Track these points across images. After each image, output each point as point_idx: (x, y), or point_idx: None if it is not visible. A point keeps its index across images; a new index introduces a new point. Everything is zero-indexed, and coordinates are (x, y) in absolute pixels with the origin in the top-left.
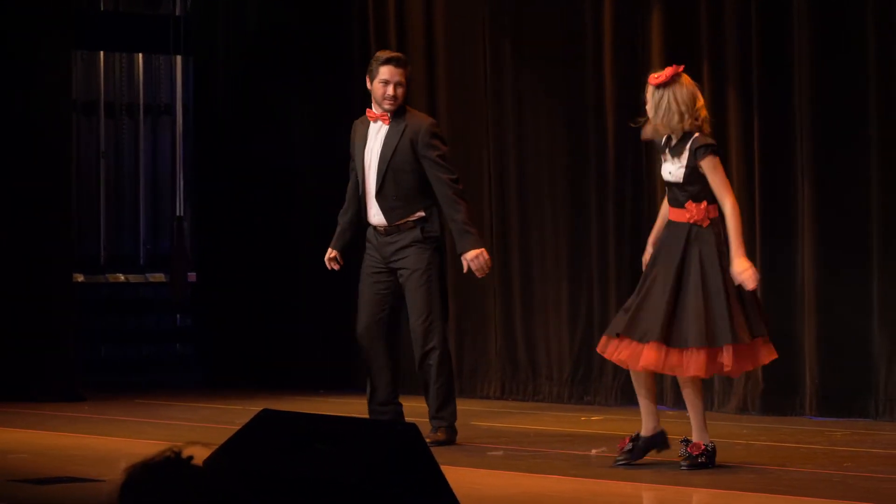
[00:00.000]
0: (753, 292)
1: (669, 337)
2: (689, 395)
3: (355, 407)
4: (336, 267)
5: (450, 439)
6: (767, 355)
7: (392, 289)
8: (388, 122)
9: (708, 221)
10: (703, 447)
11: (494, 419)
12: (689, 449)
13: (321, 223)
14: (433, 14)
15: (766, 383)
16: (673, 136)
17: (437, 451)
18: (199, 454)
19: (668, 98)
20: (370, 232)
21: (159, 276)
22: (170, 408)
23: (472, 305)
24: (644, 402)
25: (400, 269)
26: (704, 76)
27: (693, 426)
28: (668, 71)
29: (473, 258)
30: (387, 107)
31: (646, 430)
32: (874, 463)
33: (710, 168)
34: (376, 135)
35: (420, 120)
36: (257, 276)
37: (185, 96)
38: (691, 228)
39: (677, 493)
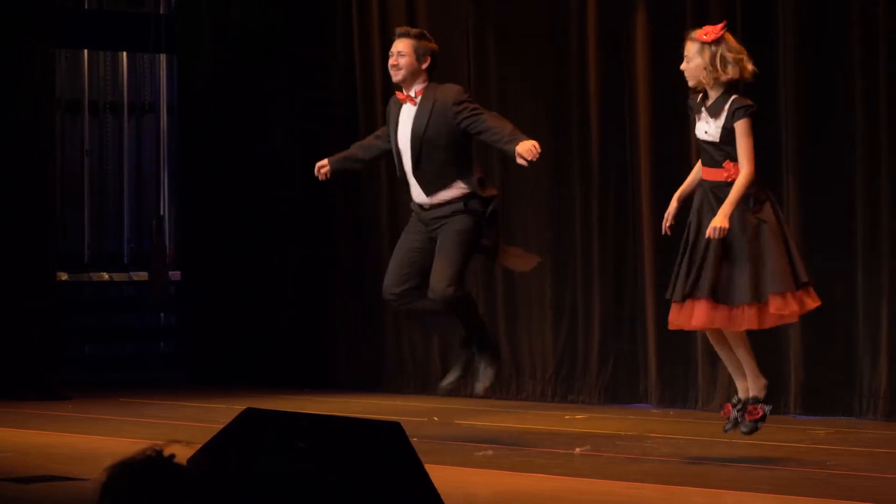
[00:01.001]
0: (794, 241)
1: (720, 295)
2: (738, 345)
3: (339, 405)
4: (321, 176)
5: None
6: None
7: (427, 250)
8: (414, 103)
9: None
10: (760, 411)
11: (478, 418)
12: (747, 416)
13: (304, 222)
14: (417, 9)
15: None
16: (710, 94)
17: (420, 450)
18: (182, 453)
19: (721, 52)
20: (415, 206)
21: (143, 275)
22: (153, 406)
23: None
24: (732, 363)
25: (440, 230)
26: None
27: (749, 375)
28: (718, 27)
29: (527, 149)
30: (393, 77)
31: (742, 390)
32: (857, 461)
33: (743, 131)
34: (407, 117)
35: (446, 91)
36: (241, 274)
37: (169, 95)
38: (728, 187)
39: (661, 490)
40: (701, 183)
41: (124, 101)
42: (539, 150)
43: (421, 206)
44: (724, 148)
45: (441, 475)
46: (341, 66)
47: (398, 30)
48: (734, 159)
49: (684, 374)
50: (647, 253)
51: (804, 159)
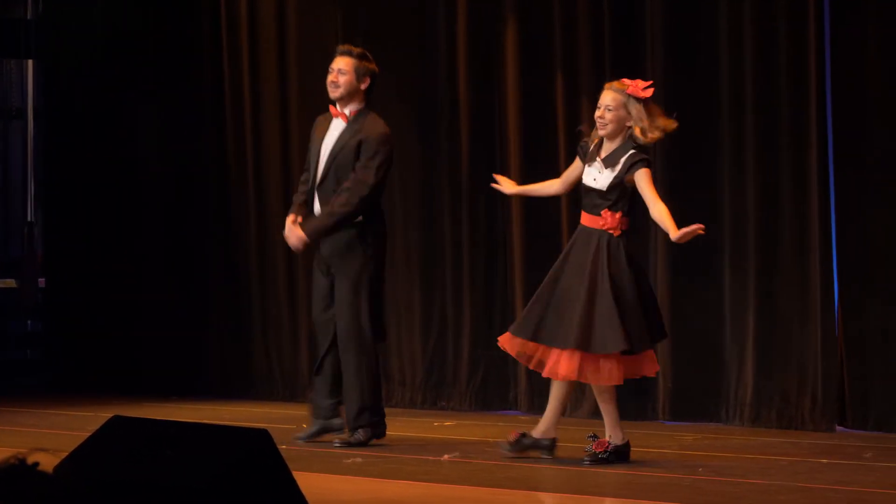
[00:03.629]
0: (654, 300)
1: (589, 343)
2: (602, 396)
3: (206, 412)
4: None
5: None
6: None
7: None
8: (346, 120)
9: (619, 231)
10: (607, 444)
11: None
12: (593, 446)
13: (173, 228)
14: (286, 15)
15: (617, 387)
16: (608, 144)
17: (289, 457)
18: (47, 461)
19: (650, 110)
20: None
21: (10, 282)
22: (19, 414)
23: None
24: (554, 406)
25: (333, 269)
26: (558, 88)
27: (606, 424)
28: (649, 85)
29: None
30: (330, 93)
31: (538, 431)
32: (724, 466)
33: (645, 179)
34: (335, 131)
35: (376, 127)
36: (107, 281)
37: (36, 101)
38: (602, 235)
39: (529, 497)
40: (579, 228)
41: None
42: (301, 246)
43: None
44: (608, 197)
45: (309, 482)
46: (207, 69)
47: (341, 47)
48: (613, 210)
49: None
50: (516, 260)
51: (673, 170)
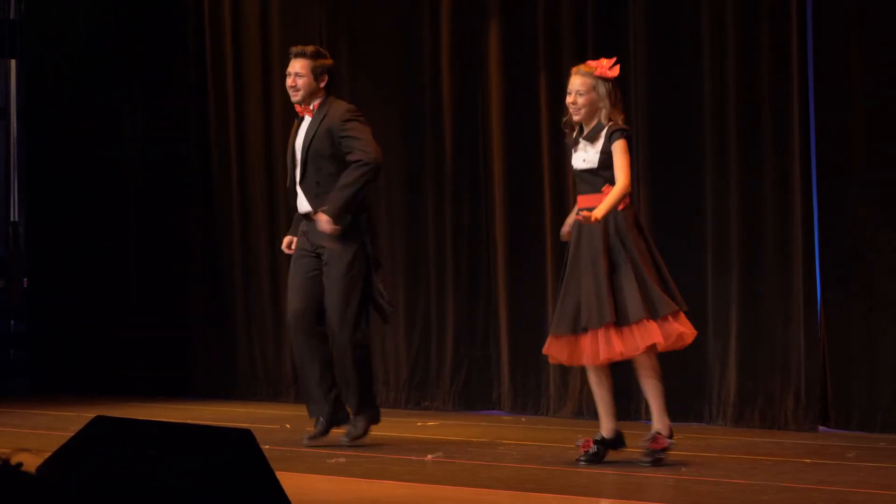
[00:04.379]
0: (663, 269)
1: (617, 319)
2: (649, 381)
3: (190, 413)
4: (290, 252)
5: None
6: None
7: (321, 272)
8: (310, 114)
9: (623, 205)
10: (665, 443)
11: None
12: (651, 445)
13: (157, 228)
14: (269, 16)
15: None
16: (586, 127)
17: (272, 457)
18: (31, 461)
19: (613, 87)
20: (301, 219)
21: None
22: (2, 414)
23: None
24: (605, 400)
25: (325, 256)
26: (542, 86)
27: (653, 412)
28: (614, 63)
29: (324, 221)
30: (291, 97)
31: (606, 430)
32: (707, 466)
33: (620, 149)
34: (304, 127)
35: (339, 107)
36: (91, 281)
37: (19, 100)
38: (609, 213)
39: (513, 497)
40: (578, 213)
41: None
42: (332, 230)
43: (306, 216)
44: (602, 174)
45: (292, 482)
46: (191, 69)
47: (293, 49)
48: (612, 183)
49: (536, 381)
50: (500, 260)
51: (655, 171)
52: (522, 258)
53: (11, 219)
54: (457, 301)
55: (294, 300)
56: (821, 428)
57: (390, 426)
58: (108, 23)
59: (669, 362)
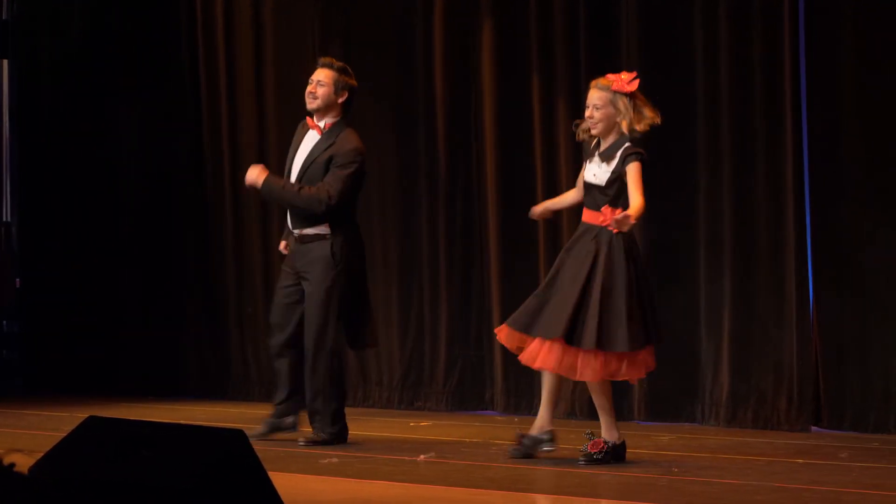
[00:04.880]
0: (652, 298)
1: (572, 336)
2: (596, 395)
3: (183, 413)
4: (286, 252)
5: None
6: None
7: (301, 298)
8: (320, 132)
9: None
10: (602, 444)
11: None
12: (589, 446)
13: (151, 229)
14: (262, 16)
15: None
16: (604, 141)
17: (265, 457)
18: (23, 461)
19: (636, 103)
20: (291, 238)
21: None
22: None
23: None
24: (546, 399)
25: (306, 279)
26: (534, 87)
27: (602, 426)
28: (634, 78)
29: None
30: (308, 104)
31: (535, 428)
32: (700, 466)
33: (634, 172)
34: (309, 142)
35: (349, 142)
36: (84, 281)
37: (12, 100)
38: (602, 231)
39: (505, 497)
40: (580, 224)
41: None
42: (251, 180)
43: (294, 235)
44: (607, 192)
45: (285, 482)
46: (185, 70)
47: (322, 60)
48: (614, 205)
49: (529, 381)
50: (493, 261)
51: (648, 172)
52: (515, 258)
53: (4, 219)
54: (450, 301)
55: (275, 329)
56: (813, 428)
57: (383, 426)
58: (101, 22)
59: (663, 363)
